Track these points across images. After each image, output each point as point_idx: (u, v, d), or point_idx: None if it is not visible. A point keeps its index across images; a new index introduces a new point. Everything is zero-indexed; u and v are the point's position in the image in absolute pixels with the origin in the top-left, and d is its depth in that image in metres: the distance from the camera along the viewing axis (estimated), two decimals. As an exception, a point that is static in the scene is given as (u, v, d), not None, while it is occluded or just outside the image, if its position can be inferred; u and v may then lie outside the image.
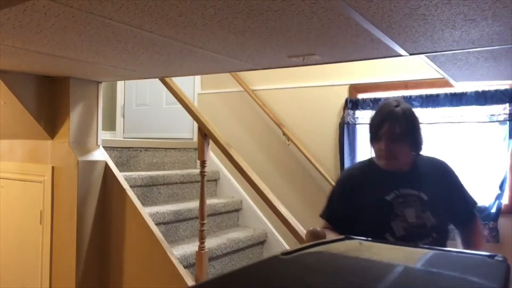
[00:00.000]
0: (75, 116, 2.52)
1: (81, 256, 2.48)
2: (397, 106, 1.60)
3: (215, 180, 3.70)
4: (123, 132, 4.39)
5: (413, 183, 1.63)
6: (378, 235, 1.56)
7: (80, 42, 1.58)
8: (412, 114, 1.61)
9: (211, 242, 2.92)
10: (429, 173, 1.66)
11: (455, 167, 1.73)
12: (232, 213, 3.54)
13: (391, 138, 1.57)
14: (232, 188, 3.65)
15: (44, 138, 2.56)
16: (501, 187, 2.76)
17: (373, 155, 1.72)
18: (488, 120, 2.78)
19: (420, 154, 1.68)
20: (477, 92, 2.78)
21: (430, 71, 2.24)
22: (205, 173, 2.54)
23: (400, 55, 1.71)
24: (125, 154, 3.16)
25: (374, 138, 1.63)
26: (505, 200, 2.80)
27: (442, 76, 2.24)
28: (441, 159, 1.72)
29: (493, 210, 2.77)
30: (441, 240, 1.60)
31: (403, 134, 1.57)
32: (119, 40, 1.54)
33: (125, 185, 2.58)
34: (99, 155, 2.62)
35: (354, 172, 1.81)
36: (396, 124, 1.56)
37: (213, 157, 3.61)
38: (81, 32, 1.45)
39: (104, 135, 2.83)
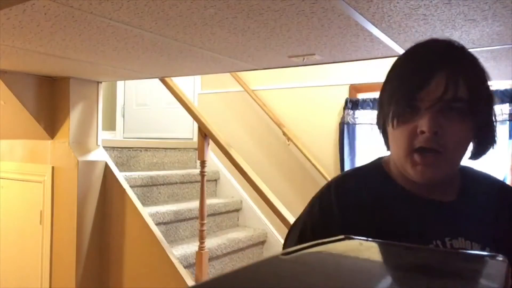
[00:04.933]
0: (75, 116, 2.52)
1: (81, 256, 2.48)
2: (454, 45, 0.79)
3: (215, 180, 3.70)
4: (123, 132, 4.39)
5: (469, 225, 0.80)
6: None
7: (80, 42, 1.58)
8: (482, 67, 0.79)
9: (211, 242, 2.92)
10: (490, 205, 0.85)
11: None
12: (232, 213, 3.54)
13: (448, 108, 0.74)
14: (232, 188, 3.65)
15: (44, 138, 2.56)
16: (501, 187, 2.76)
17: (384, 157, 0.90)
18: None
19: (468, 167, 0.89)
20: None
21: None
22: (205, 173, 2.54)
23: (400, 55, 1.71)
24: (125, 154, 3.16)
25: (401, 111, 0.77)
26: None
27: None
28: (499, 180, 0.93)
29: (493, 210, 2.77)
30: None
31: (472, 105, 0.74)
32: (119, 40, 1.54)
33: (125, 185, 2.58)
34: (99, 155, 2.62)
35: (352, 193, 0.85)
36: (460, 80, 0.73)
37: (213, 157, 3.61)
38: (81, 32, 1.45)
39: (104, 135, 2.83)
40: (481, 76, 0.79)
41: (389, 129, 0.81)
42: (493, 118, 0.81)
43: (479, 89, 0.77)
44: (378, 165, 0.89)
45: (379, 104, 0.85)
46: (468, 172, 0.89)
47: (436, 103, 0.74)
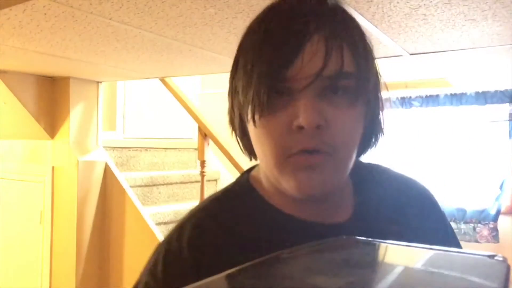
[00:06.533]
0: (75, 116, 2.52)
1: (81, 256, 2.48)
2: (324, 2, 0.56)
3: (215, 180, 3.70)
4: (123, 132, 4.39)
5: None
6: None
7: (80, 42, 1.58)
8: (363, 30, 0.58)
9: (211, 242, 2.91)
10: (398, 213, 0.64)
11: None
12: (232, 213, 3.54)
13: (331, 89, 0.53)
14: (232, 188, 3.65)
15: (44, 138, 2.56)
16: (501, 187, 2.76)
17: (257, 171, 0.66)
18: (488, 120, 2.79)
19: (358, 161, 0.64)
20: (477, 92, 2.78)
21: (430, 71, 2.24)
22: (205, 173, 2.54)
23: (400, 55, 1.71)
24: (125, 154, 3.15)
25: (264, 99, 0.52)
26: (505, 201, 2.80)
27: (442, 76, 2.24)
28: (409, 177, 0.70)
29: (493, 210, 2.77)
30: None
31: (362, 83, 0.54)
32: (119, 40, 1.54)
33: (125, 185, 2.58)
34: (99, 155, 2.62)
35: (211, 234, 0.60)
36: (345, 47, 0.52)
37: (213, 157, 3.61)
38: (81, 32, 1.45)
39: (104, 135, 2.83)
40: (366, 42, 0.57)
41: (250, 127, 0.56)
42: (381, 101, 0.60)
43: (368, 59, 0.56)
44: (245, 184, 0.64)
45: (232, 92, 0.59)
46: (359, 171, 0.64)
47: (315, 81, 0.51)
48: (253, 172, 0.66)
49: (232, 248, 0.57)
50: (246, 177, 0.66)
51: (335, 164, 0.54)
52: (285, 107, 0.52)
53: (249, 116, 0.54)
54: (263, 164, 0.59)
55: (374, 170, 0.69)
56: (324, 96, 0.52)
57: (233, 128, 0.62)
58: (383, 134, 0.61)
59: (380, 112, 0.60)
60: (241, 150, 0.63)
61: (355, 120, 0.55)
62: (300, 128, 0.51)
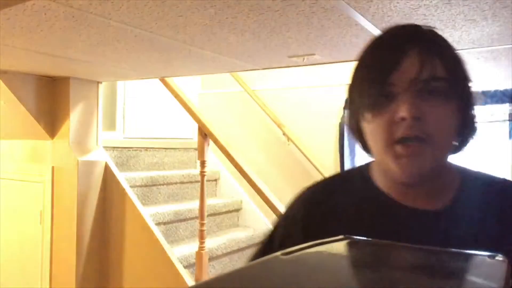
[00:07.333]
0: (75, 116, 2.52)
1: (81, 256, 2.48)
2: (422, 26, 0.73)
3: (215, 180, 3.70)
4: (123, 132, 4.38)
5: (463, 238, 0.68)
6: None
7: (80, 42, 1.58)
8: (453, 47, 0.74)
9: (211, 242, 2.92)
10: (492, 209, 0.72)
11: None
12: (232, 213, 3.54)
13: (426, 90, 0.66)
14: (232, 188, 3.65)
15: (44, 138, 2.56)
16: (501, 187, 2.77)
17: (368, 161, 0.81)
18: (488, 120, 2.79)
19: (464, 168, 0.78)
20: (477, 92, 2.78)
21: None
22: (205, 173, 2.54)
23: (400, 55, 1.71)
24: (125, 154, 3.16)
25: (375, 101, 0.68)
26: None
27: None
28: (504, 178, 0.78)
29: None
30: None
31: (453, 84, 0.68)
32: (119, 40, 1.54)
33: (125, 185, 2.58)
34: (99, 155, 2.62)
35: (322, 202, 0.79)
36: (436, 57, 0.67)
37: (213, 157, 3.61)
38: (81, 32, 1.45)
39: (104, 135, 2.83)
40: (456, 55, 0.72)
41: (365, 125, 0.72)
42: (473, 104, 0.72)
43: (457, 67, 0.71)
44: (362, 169, 0.81)
45: (350, 102, 0.77)
46: (468, 175, 0.77)
47: (413, 84, 0.66)
48: (370, 162, 0.81)
49: (333, 215, 0.75)
50: (366, 164, 0.82)
51: (430, 150, 0.67)
52: (390, 106, 0.67)
53: (364, 116, 0.71)
54: (375, 152, 0.73)
55: (484, 176, 0.79)
56: (421, 97, 0.66)
57: (353, 132, 0.78)
58: (475, 132, 0.73)
59: (472, 113, 0.72)
60: (360, 147, 0.78)
61: (448, 116, 0.68)
62: (402, 119, 0.65)
